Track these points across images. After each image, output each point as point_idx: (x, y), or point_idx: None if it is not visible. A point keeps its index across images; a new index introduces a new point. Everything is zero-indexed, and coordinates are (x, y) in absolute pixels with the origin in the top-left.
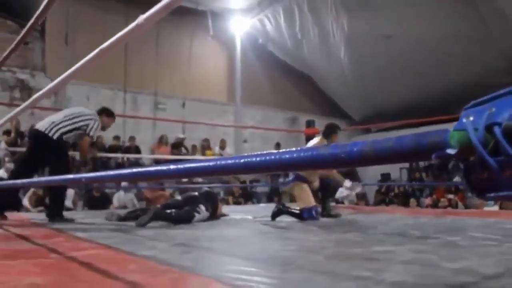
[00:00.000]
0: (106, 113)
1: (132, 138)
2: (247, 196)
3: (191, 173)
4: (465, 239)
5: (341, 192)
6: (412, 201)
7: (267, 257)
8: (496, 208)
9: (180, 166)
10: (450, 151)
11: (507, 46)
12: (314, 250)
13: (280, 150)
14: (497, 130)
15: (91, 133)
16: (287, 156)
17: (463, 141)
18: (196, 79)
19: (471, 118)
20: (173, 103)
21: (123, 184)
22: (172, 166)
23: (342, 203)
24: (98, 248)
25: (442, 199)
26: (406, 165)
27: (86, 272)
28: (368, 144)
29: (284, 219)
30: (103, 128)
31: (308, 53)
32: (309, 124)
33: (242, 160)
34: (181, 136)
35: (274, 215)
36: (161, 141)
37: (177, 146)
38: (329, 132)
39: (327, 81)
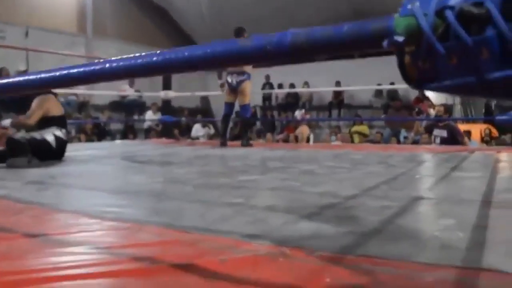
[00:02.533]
0: None
1: None
2: (100, 134)
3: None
4: (321, 168)
5: (196, 131)
6: (269, 135)
7: (134, 190)
8: (339, 142)
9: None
10: (398, 38)
11: None
12: (181, 181)
13: (188, 46)
14: (449, 13)
15: None
16: (199, 52)
17: (410, 28)
18: (41, 5)
19: (418, 4)
20: (14, 31)
21: None
22: (32, 76)
23: (197, 138)
24: None
25: (291, 134)
26: (260, 103)
27: None
28: (301, 34)
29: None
30: None
31: None
32: None
33: (154, 58)
34: (22, 69)
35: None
36: (1, 74)
37: None
38: (239, 33)
39: (184, 17)
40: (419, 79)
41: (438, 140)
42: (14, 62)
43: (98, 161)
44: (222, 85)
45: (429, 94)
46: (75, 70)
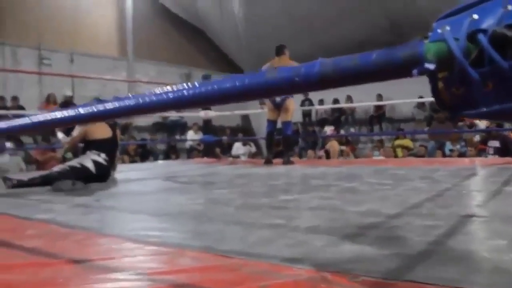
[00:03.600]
0: None
1: (15, 98)
2: (143, 155)
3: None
4: (363, 184)
5: (237, 149)
6: (310, 152)
7: (176, 212)
8: (382, 157)
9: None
10: (429, 65)
11: (389, 6)
12: (222, 202)
13: (217, 79)
14: (482, 37)
15: None
16: (227, 85)
17: (441, 53)
18: (84, 31)
19: (448, 28)
20: (59, 58)
21: (8, 146)
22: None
23: (238, 157)
24: None
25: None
26: (300, 119)
27: None
28: (329, 65)
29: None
30: None
31: (200, 7)
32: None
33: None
34: (69, 94)
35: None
36: (49, 99)
37: (66, 104)
38: (280, 50)
39: (221, 37)
40: (454, 105)
41: (491, 151)
42: (60, 87)
43: (141, 182)
44: (262, 103)
45: None
46: (105, 107)
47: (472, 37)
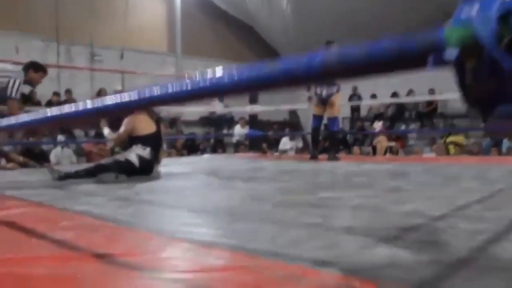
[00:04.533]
0: (33, 68)
1: (68, 91)
2: (191, 149)
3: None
4: (409, 183)
5: (284, 144)
6: (356, 148)
7: (212, 208)
8: (433, 154)
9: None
10: (451, 52)
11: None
12: (260, 198)
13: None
14: None
15: (13, 95)
16: (223, 79)
17: (466, 40)
18: (135, 28)
19: (475, 10)
20: (110, 54)
21: (60, 139)
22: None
23: (285, 152)
24: (26, 206)
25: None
26: (348, 115)
27: (6, 232)
28: (333, 55)
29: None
30: (32, 84)
31: (250, 3)
32: None
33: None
34: (119, 88)
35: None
36: (100, 94)
37: None
38: (330, 45)
39: (270, 32)
40: (484, 101)
41: None
42: (111, 83)
43: (184, 176)
44: (310, 98)
45: None
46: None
47: (504, 19)
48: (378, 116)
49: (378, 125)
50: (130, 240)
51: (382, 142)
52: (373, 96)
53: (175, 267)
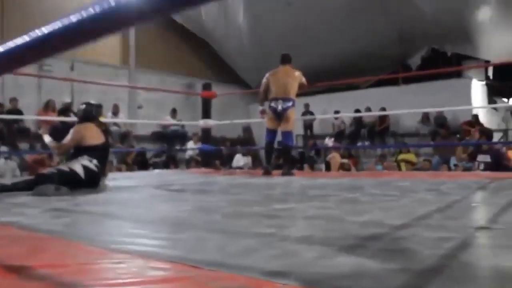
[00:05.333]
0: None
1: (14, 100)
2: (142, 164)
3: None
4: (365, 195)
5: (238, 161)
6: (306, 167)
7: (156, 218)
8: (385, 171)
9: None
10: None
11: (396, 18)
12: (209, 209)
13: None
14: None
15: None
16: None
17: None
18: None
19: None
20: (60, 65)
21: (2, 149)
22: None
23: (241, 168)
24: None
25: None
26: (301, 132)
27: None
28: None
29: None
30: None
31: (205, 18)
32: (206, 87)
33: None
34: (68, 101)
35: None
36: (48, 105)
37: (65, 111)
38: (286, 58)
39: (225, 47)
40: None
41: (482, 166)
42: (60, 94)
43: (131, 189)
44: (263, 112)
45: (483, 119)
46: None
47: None
48: (339, 134)
49: (330, 141)
50: (58, 251)
51: (336, 157)
52: (336, 112)
53: (105, 279)
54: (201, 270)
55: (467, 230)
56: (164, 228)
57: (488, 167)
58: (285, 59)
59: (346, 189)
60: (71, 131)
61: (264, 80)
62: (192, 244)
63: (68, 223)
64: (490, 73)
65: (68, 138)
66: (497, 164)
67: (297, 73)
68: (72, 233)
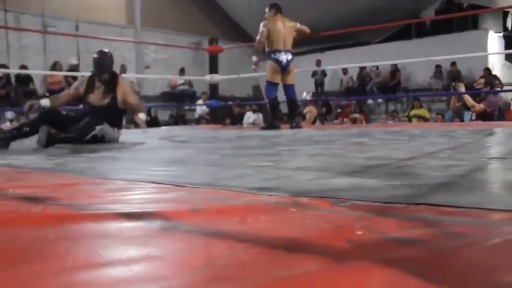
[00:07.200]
0: None
1: (23, 67)
2: (151, 124)
3: None
4: (373, 140)
5: (248, 118)
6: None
7: (154, 159)
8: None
9: None
10: None
11: None
12: (210, 152)
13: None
14: None
15: None
16: None
17: None
18: None
19: None
20: (64, 25)
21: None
22: None
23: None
24: None
25: (345, 119)
26: (312, 89)
27: None
28: None
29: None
30: None
31: None
32: (212, 42)
33: None
34: (75, 62)
35: None
36: (55, 68)
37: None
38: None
39: (233, 5)
40: None
41: (474, 116)
42: (66, 56)
43: (133, 140)
44: (256, 63)
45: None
46: None
47: None
48: (348, 90)
49: (308, 95)
50: (35, 178)
51: (312, 111)
52: (344, 70)
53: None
54: (184, 188)
55: (479, 160)
56: (161, 164)
57: (479, 117)
58: (280, 8)
59: (354, 135)
60: (128, 89)
61: (263, 28)
62: (185, 173)
63: (61, 163)
64: (509, 23)
65: (133, 97)
66: (489, 114)
67: (292, 23)
68: (60, 169)
